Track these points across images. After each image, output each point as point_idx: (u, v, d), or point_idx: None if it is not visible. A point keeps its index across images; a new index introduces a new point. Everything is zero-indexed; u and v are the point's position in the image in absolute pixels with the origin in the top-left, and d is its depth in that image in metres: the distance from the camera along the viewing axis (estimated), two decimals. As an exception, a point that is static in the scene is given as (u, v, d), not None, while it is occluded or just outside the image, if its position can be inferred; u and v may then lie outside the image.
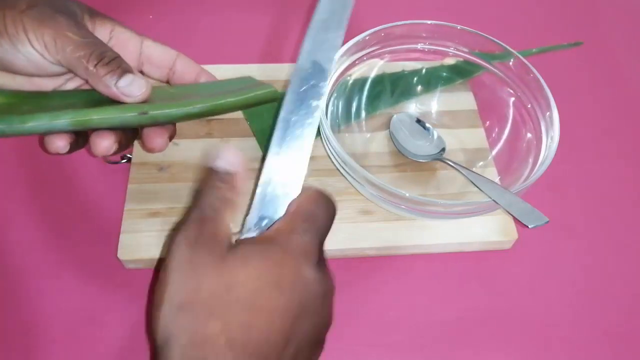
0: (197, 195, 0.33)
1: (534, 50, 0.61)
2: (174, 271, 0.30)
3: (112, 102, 0.38)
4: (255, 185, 0.34)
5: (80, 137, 0.39)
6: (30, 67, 0.38)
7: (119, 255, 0.44)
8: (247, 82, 0.46)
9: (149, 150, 0.41)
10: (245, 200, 0.34)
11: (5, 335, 0.42)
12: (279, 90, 0.44)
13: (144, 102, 0.38)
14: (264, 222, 0.34)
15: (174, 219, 0.46)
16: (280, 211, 0.34)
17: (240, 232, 0.34)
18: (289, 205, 0.34)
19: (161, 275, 0.31)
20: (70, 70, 0.38)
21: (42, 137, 0.38)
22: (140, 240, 0.45)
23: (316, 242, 0.33)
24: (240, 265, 0.30)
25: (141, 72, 0.44)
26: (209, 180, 0.33)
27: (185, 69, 0.44)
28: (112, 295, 0.44)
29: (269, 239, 0.32)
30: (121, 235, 0.45)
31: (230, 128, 0.51)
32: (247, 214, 0.34)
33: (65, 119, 0.36)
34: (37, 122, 0.35)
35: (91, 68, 0.37)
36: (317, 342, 0.33)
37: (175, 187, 0.48)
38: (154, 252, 0.44)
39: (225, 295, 0.29)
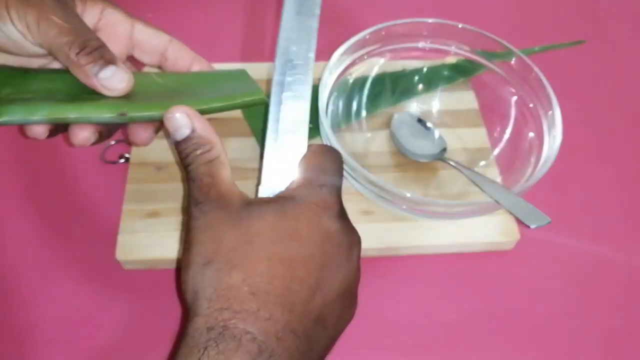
0: (186, 169, 0.34)
1: (536, 48, 0.60)
2: (196, 235, 0.32)
3: (94, 92, 0.37)
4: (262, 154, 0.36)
5: (60, 124, 0.38)
6: (11, 45, 0.37)
7: (117, 256, 0.44)
8: (239, 79, 0.44)
9: (133, 143, 0.41)
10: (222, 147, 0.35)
11: (2, 335, 0.42)
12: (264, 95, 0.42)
13: (126, 96, 0.37)
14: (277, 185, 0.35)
15: (172, 219, 0.46)
16: (290, 172, 0.35)
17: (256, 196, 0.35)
18: (298, 164, 0.35)
19: (184, 244, 0.33)
20: (51, 54, 0.37)
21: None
22: (139, 241, 0.44)
23: (335, 195, 0.34)
24: (257, 219, 0.32)
25: (132, 57, 0.42)
26: (187, 153, 0.34)
27: (179, 56, 0.42)
28: (110, 296, 0.44)
29: (284, 197, 0.33)
30: (119, 236, 0.45)
31: (230, 128, 0.51)
32: (258, 183, 0.35)
33: (40, 115, 0.35)
34: (11, 117, 0.35)
35: (72, 56, 0.35)
36: (349, 298, 0.33)
37: (173, 187, 0.47)
38: (153, 253, 0.44)
39: (244, 247, 0.31)
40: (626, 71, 0.62)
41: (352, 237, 0.34)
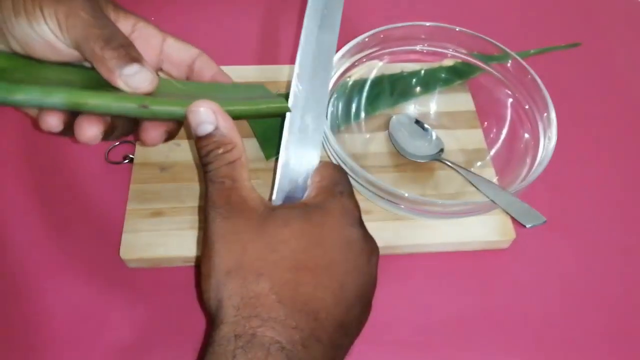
0: (206, 169, 0.33)
1: (531, 51, 0.61)
2: (216, 242, 0.31)
3: (112, 87, 0.35)
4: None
5: (76, 114, 0.36)
6: (47, 49, 0.36)
7: (121, 255, 0.44)
8: (259, 92, 0.43)
9: (141, 142, 0.39)
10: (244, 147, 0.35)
11: (8, 334, 0.43)
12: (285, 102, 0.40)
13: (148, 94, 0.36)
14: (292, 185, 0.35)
15: (176, 218, 0.46)
16: (304, 176, 0.35)
17: (270, 198, 0.35)
18: (311, 177, 0.35)
19: (204, 250, 0.32)
20: (79, 51, 0.36)
21: (35, 117, 0.37)
22: (143, 240, 0.45)
23: (353, 202, 0.34)
24: (281, 226, 0.31)
25: (160, 70, 0.42)
26: (208, 150, 0.33)
27: (204, 68, 0.42)
28: (115, 294, 0.44)
29: (307, 204, 0.33)
30: (123, 235, 0.45)
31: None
32: (273, 182, 0.35)
33: (58, 97, 0.33)
34: (28, 96, 0.33)
35: (97, 50, 0.34)
36: (367, 303, 0.33)
37: (177, 187, 0.48)
38: (156, 252, 0.45)
39: (270, 256, 0.30)
40: (621, 73, 0.62)
41: (371, 244, 0.34)
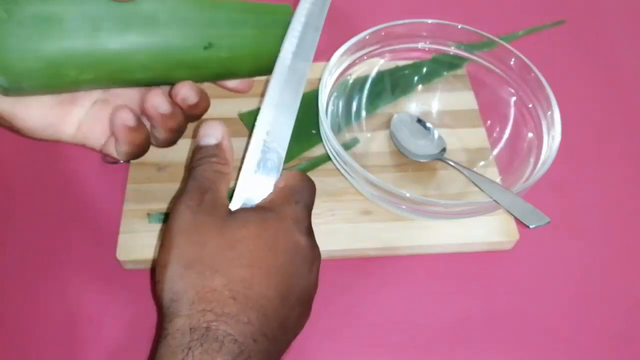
0: (193, 169, 0.36)
1: (520, 32, 0.61)
2: (178, 235, 0.33)
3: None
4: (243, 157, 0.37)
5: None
6: None
7: (117, 256, 0.44)
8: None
9: (173, 95, 0.41)
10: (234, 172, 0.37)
11: (3, 335, 0.42)
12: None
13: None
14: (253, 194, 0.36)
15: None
16: (267, 188, 0.37)
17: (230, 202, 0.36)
18: (276, 183, 0.37)
19: (164, 241, 0.33)
20: None
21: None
22: (139, 241, 0.45)
23: (306, 212, 0.36)
24: (241, 226, 0.33)
25: None
26: (202, 156, 0.36)
27: None
28: (111, 295, 0.44)
29: (264, 208, 0.35)
30: (120, 236, 0.45)
31: (227, 128, 0.51)
32: (234, 185, 0.36)
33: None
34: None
35: None
36: (305, 305, 0.35)
37: (174, 187, 0.48)
38: (153, 253, 0.44)
39: (227, 253, 0.32)
40: (626, 73, 0.62)
41: (315, 251, 0.36)
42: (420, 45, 0.54)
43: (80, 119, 0.41)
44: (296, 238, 0.34)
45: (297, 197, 0.36)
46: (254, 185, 0.36)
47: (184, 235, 0.33)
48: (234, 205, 0.36)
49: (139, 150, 0.41)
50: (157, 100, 0.39)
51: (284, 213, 0.35)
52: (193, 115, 0.42)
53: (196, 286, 0.31)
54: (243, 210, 0.35)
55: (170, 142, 0.43)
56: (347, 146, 0.51)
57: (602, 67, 0.62)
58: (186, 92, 0.40)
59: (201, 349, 0.29)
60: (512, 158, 0.50)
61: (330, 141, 0.45)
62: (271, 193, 0.36)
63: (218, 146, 0.37)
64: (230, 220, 0.34)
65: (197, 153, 0.37)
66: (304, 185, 0.37)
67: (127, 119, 0.39)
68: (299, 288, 0.34)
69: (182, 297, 0.31)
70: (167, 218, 0.39)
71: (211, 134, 0.37)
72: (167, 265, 0.32)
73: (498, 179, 0.49)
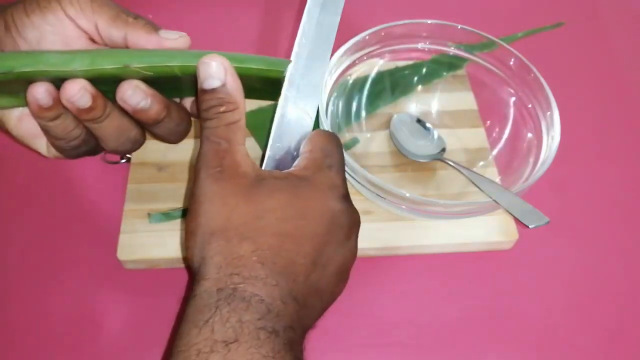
0: (204, 126, 0.34)
1: (519, 34, 0.62)
2: (204, 204, 0.32)
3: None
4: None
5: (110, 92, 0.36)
6: (58, 41, 0.37)
7: (118, 256, 0.44)
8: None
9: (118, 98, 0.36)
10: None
11: (4, 335, 0.42)
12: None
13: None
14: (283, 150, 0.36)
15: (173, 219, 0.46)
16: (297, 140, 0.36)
17: (262, 161, 0.36)
18: (303, 146, 0.36)
19: (191, 208, 0.33)
20: (103, 30, 0.37)
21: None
22: (140, 241, 0.45)
23: (341, 176, 0.35)
24: (268, 196, 0.32)
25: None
26: (209, 106, 0.34)
27: None
28: (112, 295, 0.44)
29: (297, 176, 0.34)
30: (120, 236, 0.45)
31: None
32: (265, 148, 0.36)
33: (79, 63, 0.34)
34: (49, 64, 0.34)
35: (131, 20, 0.37)
36: (343, 273, 0.35)
37: (174, 187, 0.48)
38: (154, 253, 0.44)
39: (255, 222, 0.32)
40: (625, 73, 0.62)
41: (353, 217, 0.35)
42: (420, 45, 0.54)
43: (21, 111, 0.38)
44: (331, 205, 0.33)
45: (329, 160, 0.35)
46: (283, 147, 0.35)
47: (209, 204, 0.32)
48: (266, 167, 0.35)
49: (64, 144, 0.37)
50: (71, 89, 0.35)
51: (317, 180, 0.34)
52: (145, 121, 0.38)
53: (223, 252, 0.31)
54: (272, 178, 0.34)
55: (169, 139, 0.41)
56: (347, 146, 0.51)
57: (601, 68, 0.62)
58: (72, 91, 0.35)
59: (229, 307, 0.29)
60: (512, 158, 0.50)
61: (330, 141, 0.45)
62: (302, 158, 0.35)
63: (224, 89, 0.34)
64: (258, 189, 0.33)
65: (204, 102, 0.34)
66: (334, 145, 0.36)
67: (39, 94, 0.34)
68: (335, 256, 0.33)
69: (210, 262, 0.31)
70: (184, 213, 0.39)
71: (214, 74, 0.34)
72: (195, 232, 0.32)
73: (497, 179, 0.49)
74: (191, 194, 0.33)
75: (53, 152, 0.40)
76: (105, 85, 0.35)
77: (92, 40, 0.38)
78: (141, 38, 0.37)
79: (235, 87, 0.34)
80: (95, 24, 0.37)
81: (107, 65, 0.35)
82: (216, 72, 0.34)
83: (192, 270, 0.32)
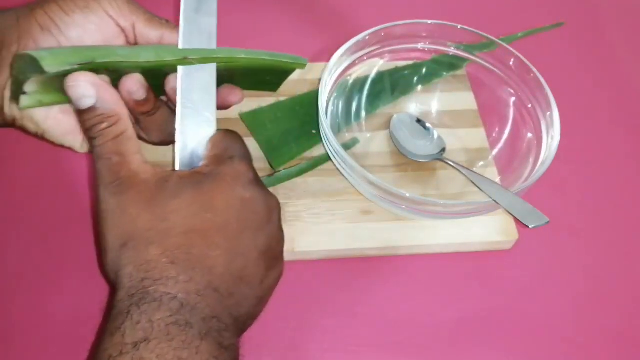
0: (92, 146, 0.34)
1: (519, 34, 0.62)
2: (108, 220, 0.33)
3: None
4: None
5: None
6: (98, 37, 0.38)
7: (118, 256, 0.44)
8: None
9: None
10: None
11: (3, 335, 0.42)
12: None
13: None
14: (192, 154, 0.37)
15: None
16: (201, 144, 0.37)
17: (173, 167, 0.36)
18: (204, 148, 0.36)
19: (97, 227, 0.33)
20: (141, 27, 0.39)
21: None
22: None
23: (245, 164, 0.35)
24: (172, 197, 0.33)
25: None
26: (90, 125, 0.34)
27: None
28: (112, 295, 0.44)
29: (199, 173, 0.34)
30: (120, 236, 0.45)
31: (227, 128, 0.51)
32: (174, 155, 0.36)
33: (146, 56, 0.36)
34: (120, 56, 0.35)
35: (164, 22, 0.39)
36: (273, 258, 0.35)
37: (174, 187, 0.47)
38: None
39: (160, 225, 0.32)
40: (625, 72, 0.62)
41: (269, 201, 0.35)
42: (420, 45, 0.54)
43: (58, 108, 0.39)
44: (238, 194, 0.34)
45: (229, 152, 0.36)
46: (190, 153, 0.36)
47: (114, 218, 0.33)
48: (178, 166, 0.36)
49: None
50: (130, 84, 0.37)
51: (222, 172, 0.34)
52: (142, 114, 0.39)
53: (133, 261, 0.31)
54: (177, 177, 0.34)
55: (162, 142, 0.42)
56: (347, 146, 0.51)
57: (601, 68, 0.62)
58: (131, 85, 0.37)
59: (139, 310, 0.30)
60: (512, 158, 0.50)
61: (330, 141, 0.45)
62: (204, 157, 0.36)
63: (100, 105, 0.33)
64: (160, 192, 0.33)
65: (84, 122, 0.34)
66: (233, 139, 0.37)
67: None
68: (256, 241, 0.34)
69: (123, 273, 0.31)
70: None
71: (85, 93, 0.33)
72: (105, 249, 0.32)
73: (497, 179, 0.49)
74: (95, 213, 0.34)
75: (86, 147, 0.40)
76: (154, 79, 0.37)
77: (127, 38, 0.40)
78: (178, 38, 0.39)
79: (111, 100, 0.34)
80: (132, 23, 0.39)
81: (169, 57, 0.37)
82: (86, 91, 0.33)
83: (110, 285, 0.33)
